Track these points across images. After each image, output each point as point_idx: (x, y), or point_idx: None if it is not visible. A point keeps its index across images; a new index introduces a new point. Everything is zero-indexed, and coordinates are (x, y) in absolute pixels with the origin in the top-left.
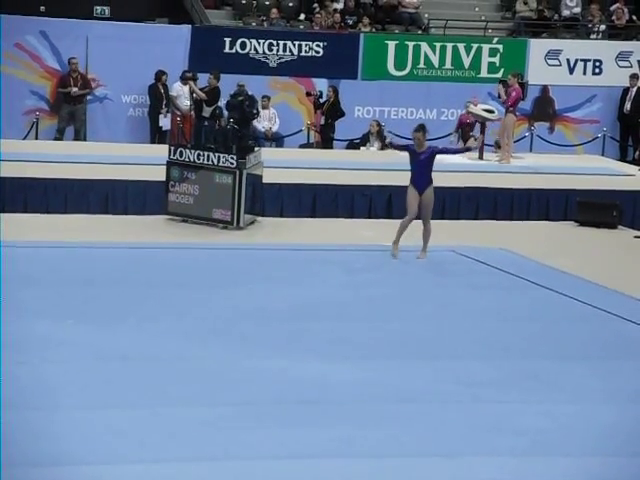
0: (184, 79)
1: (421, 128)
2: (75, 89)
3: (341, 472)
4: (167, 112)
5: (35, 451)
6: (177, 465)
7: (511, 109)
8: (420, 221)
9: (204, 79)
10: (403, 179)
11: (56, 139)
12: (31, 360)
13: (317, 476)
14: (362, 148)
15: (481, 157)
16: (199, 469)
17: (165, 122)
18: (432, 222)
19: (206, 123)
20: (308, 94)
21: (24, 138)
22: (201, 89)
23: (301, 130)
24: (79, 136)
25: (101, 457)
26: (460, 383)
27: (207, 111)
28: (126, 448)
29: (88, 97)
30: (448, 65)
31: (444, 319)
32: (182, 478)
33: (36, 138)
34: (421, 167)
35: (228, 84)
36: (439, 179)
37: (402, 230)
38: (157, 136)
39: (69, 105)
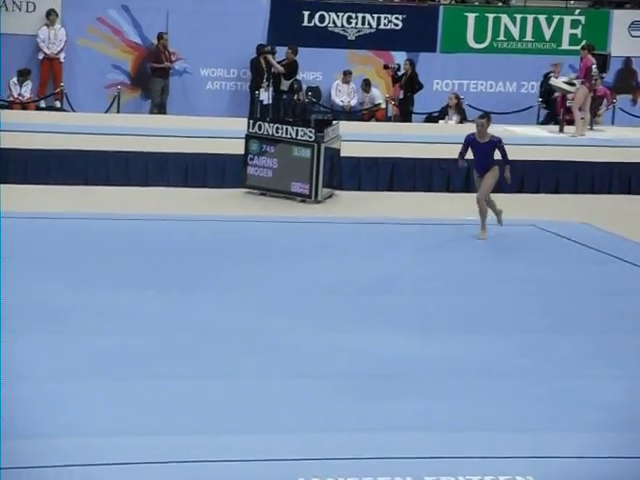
0: (259, 53)
1: (486, 115)
2: (169, 64)
3: (417, 445)
4: (268, 86)
5: (119, 420)
6: (253, 437)
7: (583, 81)
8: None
9: (282, 52)
10: None
11: (153, 113)
12: (112, 331)
13: (393, 449)
14: (441, 121)
15: (562, 130)
16: (276, 441)
17: (265, 96)
18: (511, 196)
19: (284, 97)
20: (386, 67)
21: (106, 111)
22: (279, 62)
23: (379, 104)
24: (163, 110)
25: (177, 427)
26: (539, 358)
27: (285, 85)
28: (202, 419)
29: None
30: (529, 37)
31: (524, 294)
32: (258, 449)
33: (118, 111)
34: (482, 155)
35: (306, 58)
36: (518, 152)
37: (483, 213)
38: (258, 110)
39: (162, 80)
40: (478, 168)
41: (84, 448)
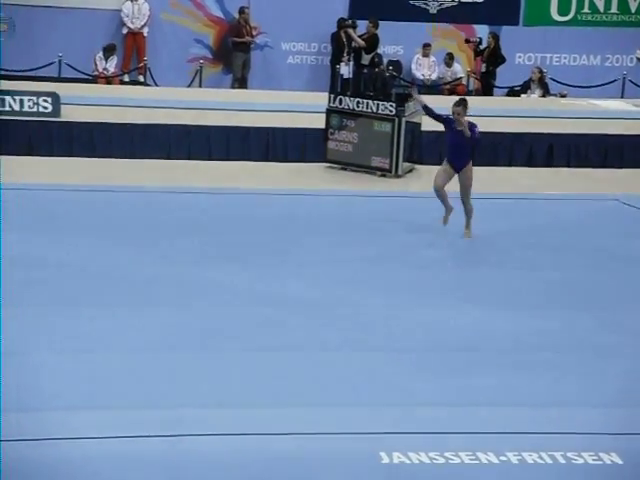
0: (340, 27)
1: (462, 102)
2: (250, 38)
3: (499, 420)
4: (348, 60)
5: (201, 392)
6: (334, 410)
7: None
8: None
9: (363, 26)
10: (565, 127)
11: (234, 88)
12: (194, 304)
13: (475, 424)
14: (523, 95)
15: None
16: (357, 415)
17: (346, 70)
18: (593, 170)
19: (365, 70)
20: (467, 41)
21: (188, 86)
22: (360, 36)
23: (461, 77)
24: (244, 84)
25: (258, 400)
26: (623, 334)
27: (366, 59)
28: (283, 392)
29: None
30: (614, 9)
31: (607, 269)
32: (340, 423)
33: (200, 86)
34: (456, 142)
35: (387, 31)
36: (601, 126)
37: (444, 199)
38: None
39: (244, 54)
40: (454, 161)
41: (169, 420)
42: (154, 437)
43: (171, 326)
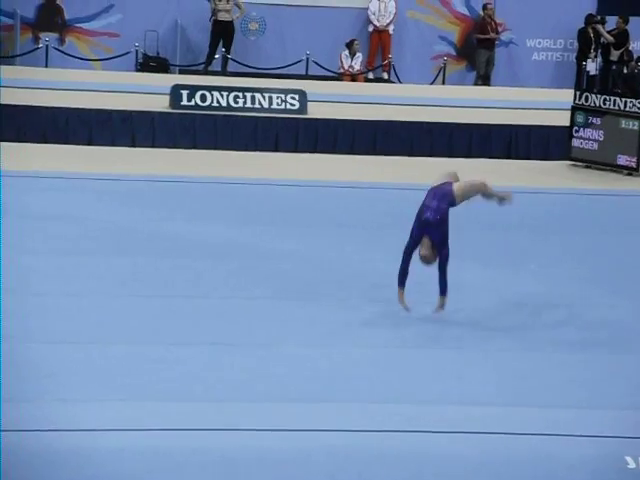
0: (588, 23)
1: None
2: (494, 34)
3: None
4: (595, 57)
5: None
6: (578, 412)
7: None
8: None
9: (612, 22)
10: None
11: (477, 85)
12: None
13: None
14: None
15: None
16: (601, 417)
17: (592, 66)
18: None
19: (613, 67)
20: None
21: (432, 83)
22: (609, 32)
23: None
24: (488, 81)
25: (492, 399)
26: None
27: (614, 55)
28: (519, 391)
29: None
30: None
31: None
32: (585, 425)
33: (443, 83)
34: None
35: (638, 27)
36: None
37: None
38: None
39: (488, 51)
40: None
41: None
42: (398, 432)
43: (407, 322)
